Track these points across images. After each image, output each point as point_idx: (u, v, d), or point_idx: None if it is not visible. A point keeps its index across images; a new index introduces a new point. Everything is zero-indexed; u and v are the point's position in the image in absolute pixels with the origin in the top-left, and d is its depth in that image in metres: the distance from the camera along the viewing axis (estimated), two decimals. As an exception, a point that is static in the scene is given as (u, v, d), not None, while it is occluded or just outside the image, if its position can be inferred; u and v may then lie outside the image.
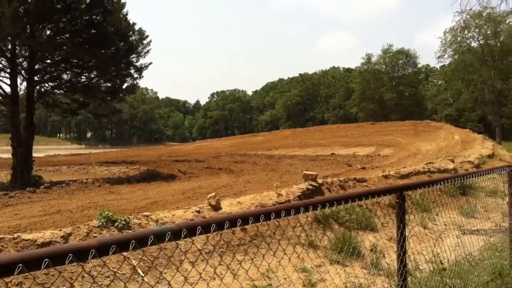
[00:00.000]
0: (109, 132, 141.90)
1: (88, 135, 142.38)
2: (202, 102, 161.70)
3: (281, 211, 2.58)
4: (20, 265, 1.72)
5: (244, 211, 6.17)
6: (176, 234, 2.14)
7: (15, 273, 1.66)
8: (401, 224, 3.48)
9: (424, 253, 5.43)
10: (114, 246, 1.95)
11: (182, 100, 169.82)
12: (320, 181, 8.53)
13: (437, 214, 7.94)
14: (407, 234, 3.55)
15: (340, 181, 9.08)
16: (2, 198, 12.58)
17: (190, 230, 2.19)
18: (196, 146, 44.25)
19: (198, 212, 6.31)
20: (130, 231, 5.48)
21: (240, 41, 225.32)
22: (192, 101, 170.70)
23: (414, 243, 5.12)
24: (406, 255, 3.51)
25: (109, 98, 22.35)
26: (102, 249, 1.94)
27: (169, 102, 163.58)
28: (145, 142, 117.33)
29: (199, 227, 2.21)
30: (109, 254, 1.95)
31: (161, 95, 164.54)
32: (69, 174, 20.81)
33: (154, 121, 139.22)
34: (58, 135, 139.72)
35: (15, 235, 4.88)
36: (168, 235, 2.10)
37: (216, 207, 6.53)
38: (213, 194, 6.71)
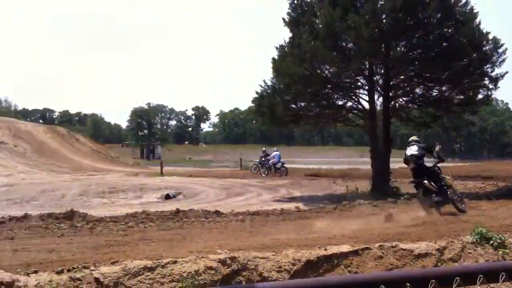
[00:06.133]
0: (458, 145, 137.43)
1: (437, 148, 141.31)
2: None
3: None
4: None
5: None
6: None
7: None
8: None
9: None
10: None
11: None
12: None
13: None
14: None
15: None
16: (368, 206, 13.74)
17: None
18: None
19: None
20: (506, 250, 5.19)
21: None
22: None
23: None
24: None
25: (459, 111, 21.76)
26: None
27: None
28: (497, 156, 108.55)
29: None
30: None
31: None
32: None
33: (505, 134, 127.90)
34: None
35: (394, 243, 5.24)
36: None
37: None
38: None
